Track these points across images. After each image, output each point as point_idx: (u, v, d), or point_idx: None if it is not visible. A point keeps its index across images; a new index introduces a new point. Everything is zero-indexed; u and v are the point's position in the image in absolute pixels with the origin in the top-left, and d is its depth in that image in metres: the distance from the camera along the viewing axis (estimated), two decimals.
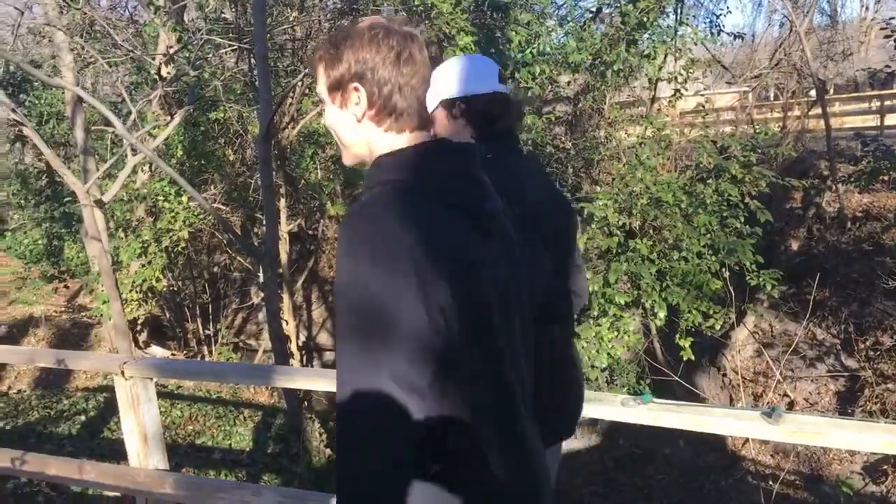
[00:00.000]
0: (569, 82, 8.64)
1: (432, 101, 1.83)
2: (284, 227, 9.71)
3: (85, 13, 7.96)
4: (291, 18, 9.24)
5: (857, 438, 1.89)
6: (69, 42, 7.16)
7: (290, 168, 9.65)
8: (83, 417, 5.97)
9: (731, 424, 1.98)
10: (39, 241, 11.59)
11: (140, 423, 2.77)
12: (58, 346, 9.44)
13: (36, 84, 11.30)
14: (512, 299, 1.35)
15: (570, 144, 8.86)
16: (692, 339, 6.96)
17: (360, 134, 1.33)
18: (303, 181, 9.88)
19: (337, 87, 1.32)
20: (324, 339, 11.95)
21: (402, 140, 1.31)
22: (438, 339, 1.16)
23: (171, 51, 7.32)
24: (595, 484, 9.21)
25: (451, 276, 1.18)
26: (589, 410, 2.09)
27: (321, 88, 1.36)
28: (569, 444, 10.03)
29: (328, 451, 6.76)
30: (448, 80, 1.83)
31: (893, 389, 8.09)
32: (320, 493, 2.70)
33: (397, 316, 1.14)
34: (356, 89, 1.29)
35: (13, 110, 4.73)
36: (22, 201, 12.24)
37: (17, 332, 9.42)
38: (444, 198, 1.25)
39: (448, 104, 1.82)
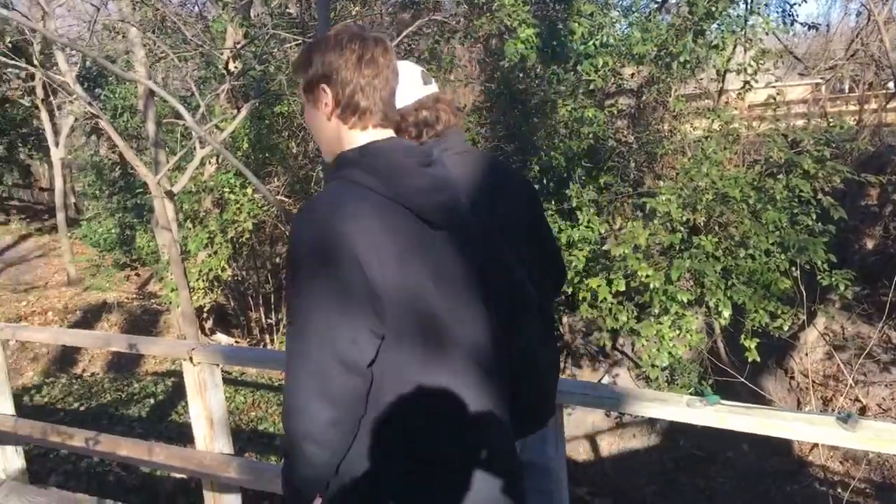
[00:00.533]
0: (632, 74, 8.46)
1: None
2: None
3: (157, 9, 8.23)
4: (354, 13, 9.34)
5: None
6: (142, 38, 7.41)
7: None
8: (152, 401, 6.20)
9: (803, 429, 1.90)
10: (113, 231, 12.08)
11: (207, 407, 2.84)
12: (129, 332, 9.83)
13: (110, 79, 11.75)
14: (462, 287, 1.42)
15: (632, 138, 8.68)
16: (758, 340, 6.74)
17: (331, 131, 1.47)
18: None
19: (309, 88, 1.46)
20: None
21: (366, 136, 1.44)
22: (378, 324, 1.29)
23: (239, 46, 7.49)
24: (655, 484, 9.04)
25: (385, 265, 1.28)
26: (653, 411, 2.04)
27: (299, 90, 1.51)
28: (628, 443, 9.87)
29: None
30: None
31: None
32: None
33: (340, 304, 1.27)
34: (324, 90, 1.43)
35: (90, 104, 4.93)
36: (97, 192, 12.76)
37: (91, 317, 9.85)
38: (388, 190, 1.34)
39: None
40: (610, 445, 10.00)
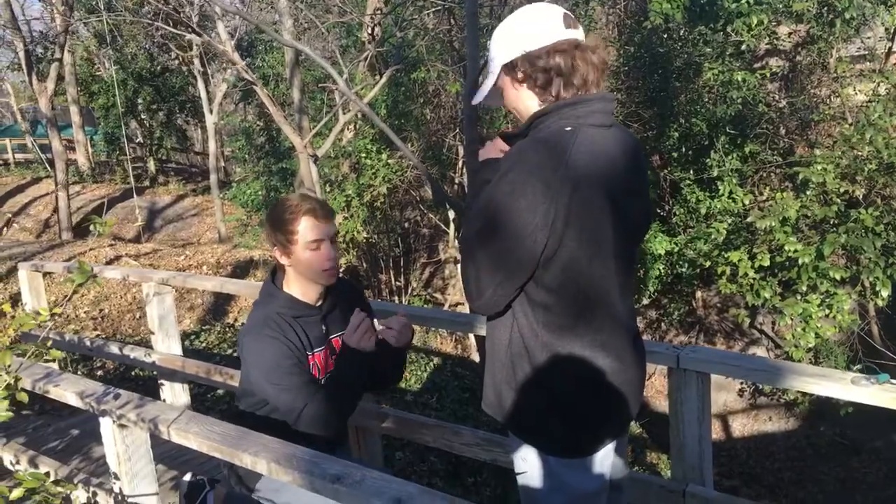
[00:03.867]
0: (790, 34, 7.86)
1: (496, 71, 1.60)
2: None
3: None
4: None
5: None
6: (290, 7, 7.75)
7: (483, 127, 9.79)
8: None
9: None
10: (259, 192, 12.84)
11: None
12: None
13: (259, 48, 12.41)
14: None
15: (784, 103, 8.11)
16: None
17: None
18: None
19: None
20: None
21: None
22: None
23: (379, 14, 7.67)
24: (791, 470, 8.62)
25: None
26: (813, 387, 1.92)
27: None
28: (762, 426, 9.44)
29: None
30: (503, 41, 1.56)
31: None
32: (514, 440, 2.78)
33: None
34: None
35: (246, 70, 5.25)
36: (245, 156, 13.60)
37: (240, 272, 10.58)
38: None
39: (509, 69, 1.57)
40: (742, 427, 9.61)
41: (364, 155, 9.26)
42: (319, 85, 9.25)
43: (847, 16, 6.62)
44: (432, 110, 10.26)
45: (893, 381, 1.88)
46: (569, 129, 1.47)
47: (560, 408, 1.56)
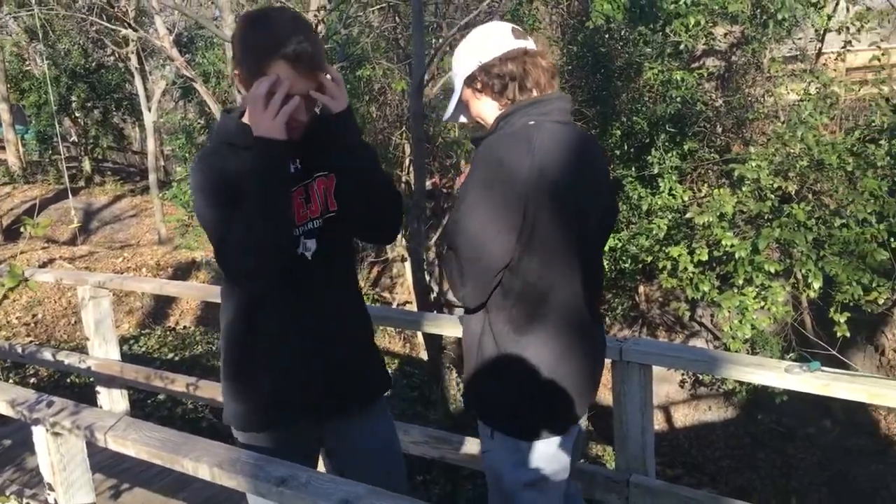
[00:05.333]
0: (725, 34, 8.11)
1: (459, 86, 1.76)
2: None
3: None
4: None
5: None
6: (231, 2, 7.60)
7: (429, 125, 9.78)
8: None
9: None
10: None
11: None
12: None
13: (199, 45, 12.10)
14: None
15: (720, 102, 8.35)
16: (848, 315, 6.46)
17: None
18: (441, 139, 10.00)
19: None
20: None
21: None
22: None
23: (323, 11, 7.57)
24: (730, 458, 8.89)
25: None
26: (750, 375, 2.00)
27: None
28: (703, 416, 9.70)
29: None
30: (461, 59, 1.74)
31: None
32: (460, 436, 2.79)
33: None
34: None
35: (186, 67, 5.12)
36: (186, 154, 13.23)
37: (181, 274, 10.33)
38: None
39: (469, 82, 1.73)
40: (684, 417, 9.86)
41: None
42: None
43: (779, 17, 6.87)
44: (378, 108, 10.19)
45: (825, 368, 1.96)
46: (532, 123, 1.63)
47: (517, 393, 1.68)
